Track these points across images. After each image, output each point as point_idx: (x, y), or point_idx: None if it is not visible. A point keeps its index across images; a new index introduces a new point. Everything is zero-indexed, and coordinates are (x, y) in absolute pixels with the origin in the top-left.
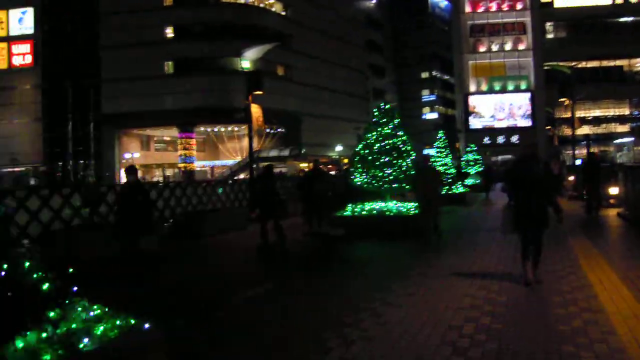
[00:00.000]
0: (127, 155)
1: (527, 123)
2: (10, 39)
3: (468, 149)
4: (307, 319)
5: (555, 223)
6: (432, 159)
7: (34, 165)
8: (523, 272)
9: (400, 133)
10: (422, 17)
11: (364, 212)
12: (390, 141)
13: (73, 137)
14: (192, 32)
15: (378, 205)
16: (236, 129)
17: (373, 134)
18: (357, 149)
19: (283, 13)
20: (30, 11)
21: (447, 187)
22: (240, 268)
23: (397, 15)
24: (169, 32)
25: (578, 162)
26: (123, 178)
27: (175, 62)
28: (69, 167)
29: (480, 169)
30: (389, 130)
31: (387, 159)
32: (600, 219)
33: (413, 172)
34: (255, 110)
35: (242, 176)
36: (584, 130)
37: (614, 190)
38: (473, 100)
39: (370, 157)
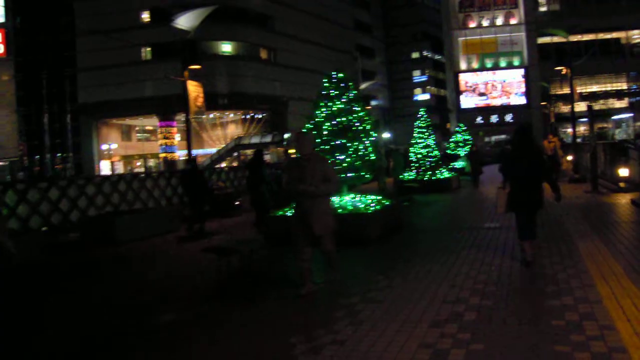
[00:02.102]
0: (105, 147)
1: (522, 101)
2: None
3: (457, 129)
4: None
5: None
6: (412, 141)
7: (11, 159)
8: (521, 253)
9: (357, 108)
10: None
11: None
12: (344, 119)
13: (50, 129)
14: (169, 15)
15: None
16: (219, 115)
17: (322, 109)
18: (303, 130)
19: None
20: None
21: (431, 172)
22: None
23: None
24: (146, 16)
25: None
26: (103, 170)
27: (153, 47)
28: (47, 160)
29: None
30: (342, 105)
31: (339, 142)
32: (609, 207)
33: (373, 157)
34: (193, 88)
35: (223, 165)
36: (581, 106)
37: (624, 172)
38: (464, 79)
39: (318, 140)
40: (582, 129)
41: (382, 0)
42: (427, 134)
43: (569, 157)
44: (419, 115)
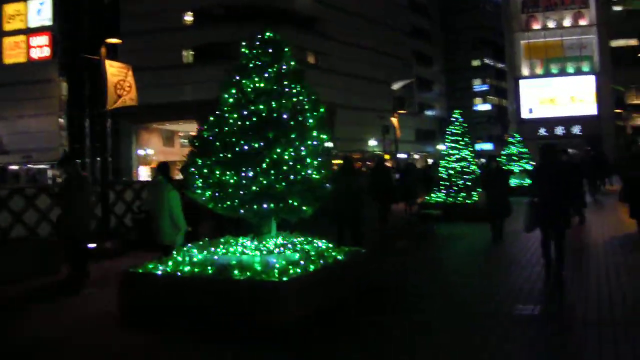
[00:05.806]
0: (141, 152)
1: (591, 111)
2: (28, 32)
3: (511, 139)
4: None
5: None
6: (444, 152)
7: (51, 162)
8: (544, 274)
9: (298, 89)
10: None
11: (187, 269)
12: (262, 106)
13: (91, 132)
14: (212, 16)
15: (229, 250)
16: None
17: (232, 91)
18: (204, 127)
19: None
20: (48, 1)
21: (465, 193)
22: None
23: None
24: (189, 17)
25: None
26: (141, 176)
27: (195, 50)
28: (86, 164)
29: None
30: (264, 84)
31: (247, 146)
32: None
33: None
34: (115, 70)
35: None
36: None
37: None
38: (525, 85)
39: (218, 143)
40: None
41: (440, 5)
42: (463, 143)
43: None
44: (452, 119)
